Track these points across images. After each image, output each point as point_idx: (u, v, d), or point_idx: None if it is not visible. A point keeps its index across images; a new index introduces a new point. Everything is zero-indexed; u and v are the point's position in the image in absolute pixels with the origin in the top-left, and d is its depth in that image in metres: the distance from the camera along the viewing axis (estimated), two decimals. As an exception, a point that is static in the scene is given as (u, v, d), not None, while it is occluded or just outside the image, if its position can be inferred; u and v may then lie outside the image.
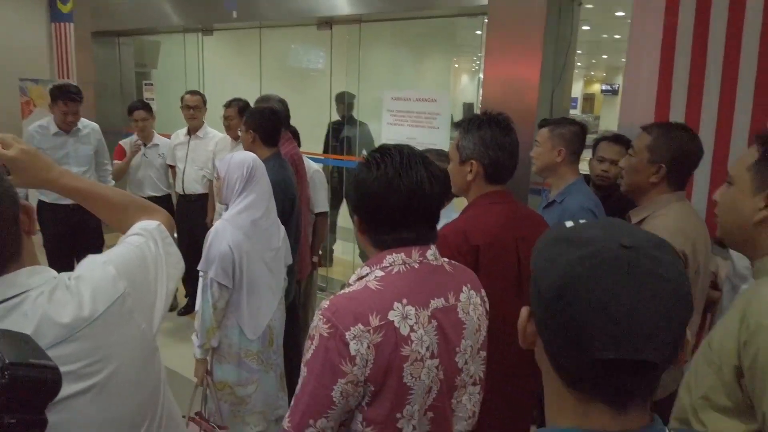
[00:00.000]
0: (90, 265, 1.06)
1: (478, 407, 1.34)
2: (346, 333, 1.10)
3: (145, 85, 6.23)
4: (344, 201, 4.68)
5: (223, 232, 2.23)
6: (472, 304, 1.30)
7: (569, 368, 0.68)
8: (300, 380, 1.16)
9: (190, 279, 4.28)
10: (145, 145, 4.52)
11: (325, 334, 1.12)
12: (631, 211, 2.04)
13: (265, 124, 2.78)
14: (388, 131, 4.50)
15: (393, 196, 1.19)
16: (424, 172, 1.21)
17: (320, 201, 3.51)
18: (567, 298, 0.64)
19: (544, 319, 0.68)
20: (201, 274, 2.25)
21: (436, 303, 1.22)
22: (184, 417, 2.33)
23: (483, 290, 1.37)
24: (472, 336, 1.29)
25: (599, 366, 0.64)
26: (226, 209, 2.34)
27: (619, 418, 0.67)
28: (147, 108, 4.54)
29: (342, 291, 1.20)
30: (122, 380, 1.01)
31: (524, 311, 0.75)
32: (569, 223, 0.76)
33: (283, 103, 3.30)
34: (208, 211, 4.35)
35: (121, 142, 4.58)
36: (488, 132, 1.72)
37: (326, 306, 1.15)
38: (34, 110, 6.71)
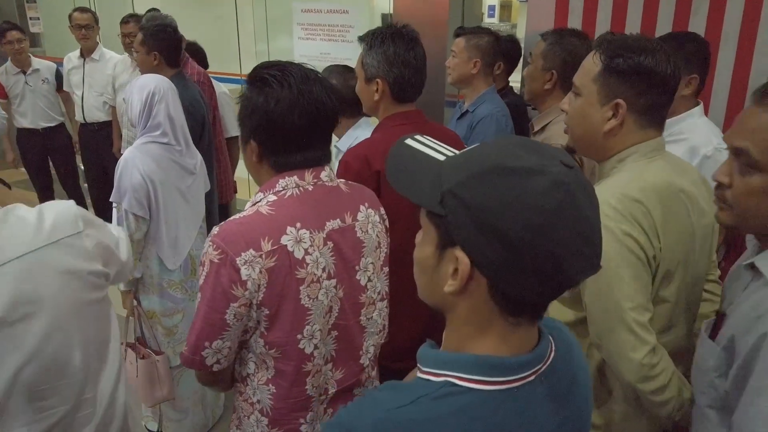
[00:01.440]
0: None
1: (387, 320, 1.39)
2: (237, 258, 1.10)
3: (27, 3, 5.60)
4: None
5: (133, 161, 2.13)
6: (370, 223, 1.29)
7: (529, 298, 0.66)
8: (197, 304, 1.17)
9: (104, 210, 4.11)
10: (24, 72, 4.15)
11: (216, 260, 1.11)
12: (534, 119, 2.13)
13: (169, 43, 2.61)
14: (300, 46, 4.34)
15: (298, 115, 1.14)
16: (321, 87, 1.18)
17: (230, 124, 3.39)
18: (547, 233, 0.61)
19: (507, 259, 0.63)
20: (114, 205, 2.17)
21: (332, 224, 1.22)
22: (122, 344, 2.33)
23: (382, 208, 1.37)
24: (372, 253, 1.30)
25: (564, 288, 0.65)
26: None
27: (531, 330, 0.71)
28: (19, 29, 4.11)
29: (232, 217, 1.18)
30: None
31: (429, 252, 0.71)
32: (409, 140, 0.75)
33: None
34: (114, 140, 4.12)
35: None
36: (391, 47, 1.64)
37: (216, 232, 1.14)
38: None
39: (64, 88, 4.21)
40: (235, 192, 3.44)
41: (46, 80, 4.20)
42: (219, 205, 3.11)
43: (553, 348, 0.74)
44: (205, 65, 3.39)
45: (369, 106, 1.75)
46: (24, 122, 4.21)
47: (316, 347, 1.21)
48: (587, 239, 0.63)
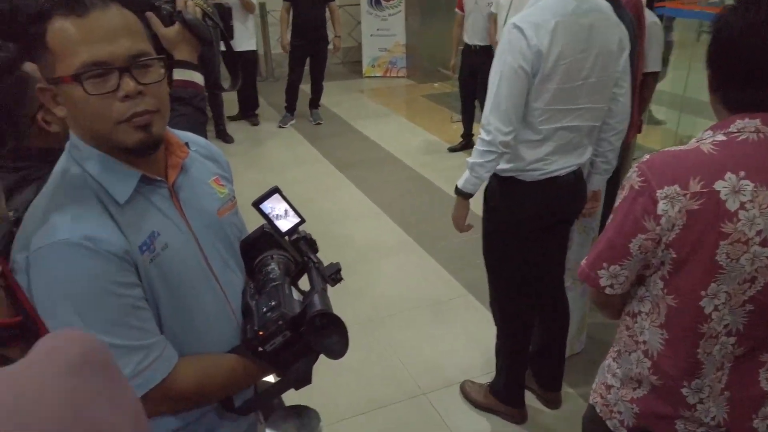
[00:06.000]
0: None
1: None
2: (658, 191, 1.06)
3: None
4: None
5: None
6: None
7: None
8: (607, 222, 1.17)
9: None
10: None
11: (636, 187, 1.09)
12: None
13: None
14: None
15: (755, 43, 1.00)
16: None
17: (652, 58, 3.12)
18: None
19: None
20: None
21: None
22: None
23: None
24: None
25: None
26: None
27: None
28: None
29: (669, 148, 1.12)
30: None
31: None
32: None
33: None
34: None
35: None
36: None
37: (645, 159, 1.11)
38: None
39: (492, 9, 4.51)
40: (638, 131, 3.23)
41: (490, 4, 4.51)
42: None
43: None
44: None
45: None
46: (465, 37, 4.79)
47: (716, 309, 1.10)
48: None
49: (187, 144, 1.05)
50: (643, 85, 3.16)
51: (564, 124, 1.90)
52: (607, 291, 1.19)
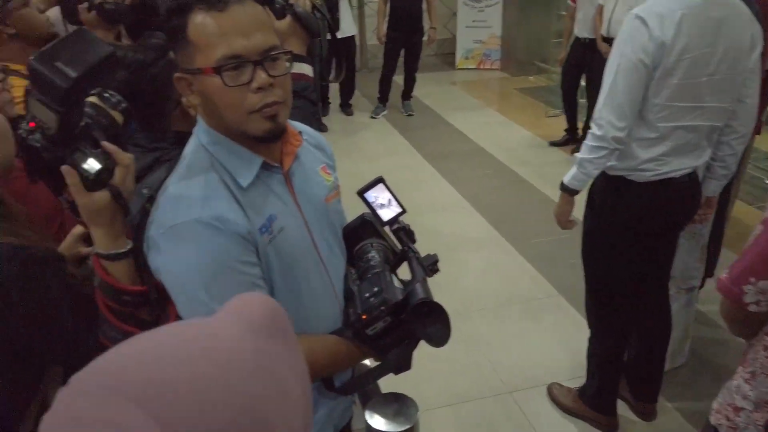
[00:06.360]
0: None
1: None
2: None
3: None
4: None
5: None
6: None
7: None
8: (754, 235, 1.09)
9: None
10: None
11: None
12: None
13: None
14: None
15: None
16: None
17: (779, 53, 2.87)
18: None
19: None
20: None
21: None
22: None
23: None
24: None
25: None
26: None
27: None
28: None
29: None
30: None
31: None
32: None
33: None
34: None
35: None
36: None
37: None
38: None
39: (601, 1, 4.32)
40: (757, 133, 2.99)
41: None
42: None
43: None
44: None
45: None
46: (575, 29, 4.65)
47: None
48: None
49: (300, 133, 1.09)
50: (767, 83, 2.92)
51: (684, 123, 1.80)
52: (751, 308, 1.12)
